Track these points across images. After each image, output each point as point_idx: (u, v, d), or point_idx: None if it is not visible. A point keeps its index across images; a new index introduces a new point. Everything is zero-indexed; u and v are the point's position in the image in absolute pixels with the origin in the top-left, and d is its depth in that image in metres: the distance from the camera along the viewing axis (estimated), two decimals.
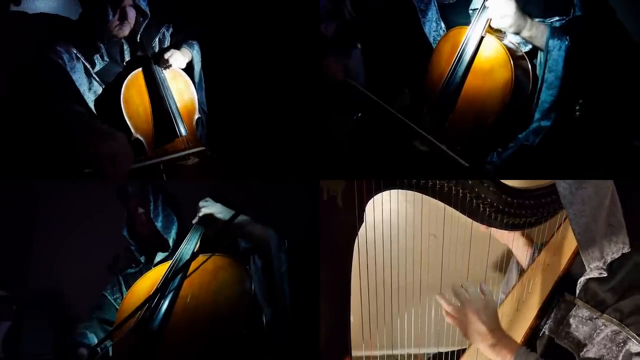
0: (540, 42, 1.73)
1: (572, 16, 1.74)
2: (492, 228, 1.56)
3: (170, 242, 1.90)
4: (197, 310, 1.58)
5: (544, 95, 1.73)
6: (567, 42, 1.67)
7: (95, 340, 1.79)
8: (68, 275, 2.53)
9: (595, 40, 1.69)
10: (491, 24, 1.76)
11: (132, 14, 1.98)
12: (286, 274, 1.58)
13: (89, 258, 2.43)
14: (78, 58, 1.93)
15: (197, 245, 1.79)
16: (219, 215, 1.73)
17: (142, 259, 1.97)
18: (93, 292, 2.03)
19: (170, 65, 2.12)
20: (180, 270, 1.67)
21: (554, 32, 1.70)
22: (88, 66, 1.96)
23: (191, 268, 1.68)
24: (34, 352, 2.34)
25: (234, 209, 1.76)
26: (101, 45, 1.99)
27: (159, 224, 1.89)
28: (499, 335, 1.32)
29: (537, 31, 1.72)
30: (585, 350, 1.24)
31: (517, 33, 1.75)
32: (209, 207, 1.75)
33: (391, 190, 1.39)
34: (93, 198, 2.47)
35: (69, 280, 2.53)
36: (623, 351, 1.16)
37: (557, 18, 1.76)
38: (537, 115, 1.75)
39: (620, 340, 1.18)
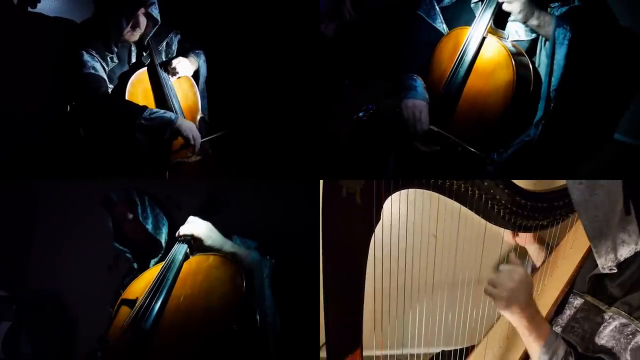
0: (546, 31, 1.74)
1: (572, 5, 1.76)
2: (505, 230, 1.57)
3: (163, 242, 1.88)
4: (190, 310, 1.56)
5: (545, 86, 1.74)
6: (570, 33, 1.68)
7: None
8: (68, 275, 2.53)
9: (593, 30, 1.71)
10: (502, 8, 1.76)
11: (143, 21, 2.06)
12: (267, 288, 1.61)
13: (89, 258, 2.43)
14: (98, 60, 2.01)
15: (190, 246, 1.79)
16: (208, 242, 1.74)
17: (135, 265, 1.94)
18: (93, 292, 2.03)
19: (178, 73, 2.15)
20: (172, 270, 1.66)
21: (559, 22, 1.71)
22: (105, 67, 2.03)
23: (184, 268, 1.68)
24: (34, 352, 2.34)
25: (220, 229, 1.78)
26: (114, 47, 2.05)
27: (149, 226, 1.86)
28: (534, 311, 1.28)
29: (544, 20, 1.73)
30: (592, 343, 1.25)
31: (525, 21, 1.76)
32: (196, 229, 1.75)
33: (401, 191, 1.40)
34: (93, 198, 2.46)
35: (69, 280, 2.52)
36: (632, 343, 1.18)
37: (558, 4, 1.77)
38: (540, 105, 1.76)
39: (629, 332, 1.20)
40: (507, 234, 1.75)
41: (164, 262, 1.73)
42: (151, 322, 1.54)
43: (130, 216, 1.87)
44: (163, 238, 1.89)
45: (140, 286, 1.74)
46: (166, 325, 1.54)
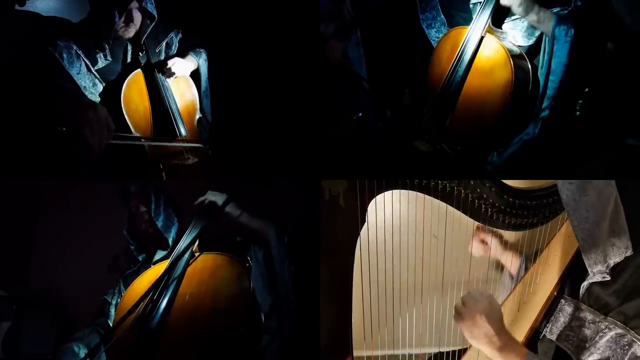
0: (546, 27, 1.74)
1: (574, 6, 1.76)
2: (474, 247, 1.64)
3: (170, 241, 1.91)
4: (196, 309, 1.58)
5: (543, 83, 1.74)
6: (572, 30, 1.68)
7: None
8: (68, 275, 2.53)
9: (596, 30, 1.71)
10: (501, 3, 1.76)
11: (137, 16, 2.00)
12: (287, 263, 1.58)
13: (89, 258, 2.43)
14: (78, 55, 1.94)
15: (196, 244, 1.79)
16: (228, 209, 1.73)
17: (141, 257, 1.97)
18: (93, 292, 2.03)
19: (174, 73, 2.12)
20: (178, 269, 1.67)
21: (560, 19, 1.71)
22: (88, 63, 1.97)
23: (190, 266, 1.69)
24: (34, 352, 2.35)
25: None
26: (106, 44, 2.00)
27: (159, 223, 1.89)
28: (506, 339, 1.30)
29: (544, 16, 1.74)
30: (588, 353, 1.24)
31: (524, 15, 1.75)
32: (215, 196, 1.75)
33: (393, 191, 1.40)
34: (93, 198, 2.47)
35: (69, 280, 2.53)
36: (629, 354, 1.16)
37: (559, 8, 1.77)
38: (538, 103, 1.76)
39: (625, 343, 1.18)
40: (475, 250, 1.75)
41: (169, 260, 1.74)
42: (157, 321, 1.55)
43: (143, 209, 1.91)
44: (171, 237, 1.92)
45: (144, 284, 1.75)
46: (172, 324, 1.56)
